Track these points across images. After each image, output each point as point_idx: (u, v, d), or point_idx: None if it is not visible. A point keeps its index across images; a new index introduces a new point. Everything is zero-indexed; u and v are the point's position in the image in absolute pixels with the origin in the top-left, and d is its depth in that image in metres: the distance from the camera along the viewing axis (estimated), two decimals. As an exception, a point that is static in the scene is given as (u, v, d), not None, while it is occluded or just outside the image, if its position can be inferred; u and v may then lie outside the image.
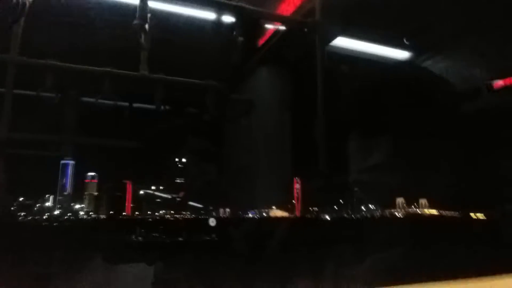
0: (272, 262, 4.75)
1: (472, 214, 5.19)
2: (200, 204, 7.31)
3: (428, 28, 5.45)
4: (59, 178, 6.30)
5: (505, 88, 5.48)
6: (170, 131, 7.61)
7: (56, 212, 5.94)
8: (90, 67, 5.20)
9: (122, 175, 7.07)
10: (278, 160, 7.09)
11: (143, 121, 7.55)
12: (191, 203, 7.37)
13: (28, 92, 5.17)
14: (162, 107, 6.25)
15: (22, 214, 5.34)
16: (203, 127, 7.11)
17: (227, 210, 6.67)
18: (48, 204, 6.00)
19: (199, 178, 7.92)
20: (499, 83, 5.53)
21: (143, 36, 4.22)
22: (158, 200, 7.30)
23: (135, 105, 7.68)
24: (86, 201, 6.52)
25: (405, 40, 6.06)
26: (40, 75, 4.73)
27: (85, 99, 6.87)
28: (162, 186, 7.57)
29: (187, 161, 7.96)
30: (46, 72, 4.64)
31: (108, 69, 5.20)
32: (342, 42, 6.22)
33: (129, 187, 7.03)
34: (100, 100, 5.58)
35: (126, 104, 7.54)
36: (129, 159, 7.16)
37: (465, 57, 5.80)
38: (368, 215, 5.98)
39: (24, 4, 3.17)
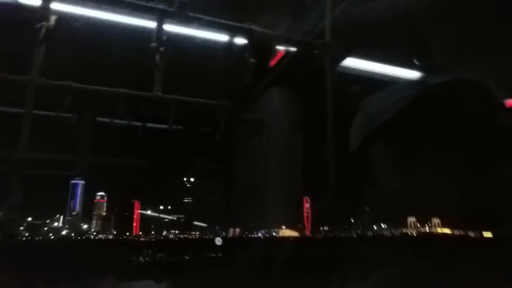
0: (282, 281, 4.72)
1: (483, 233, 5.13)
2: (207, 223, 7.31)
3: (438, 48, 5.52)
4: (69, 198, 6.39)
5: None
6: (181, 150, 7.70)
7: (64, 232, 5.99)
8: (106, 88, 5.33)
9: (131, 195, 7.15)
10: (288, 179, 7.10)
11: (154, 141, 7.66)
12: (196, 223, 7.38)
13: (41, 112, 5.33)
14: (174, 127, 6.36)
15: (28, 234, 5.40)
16: (214, 146, 7.18)
17: (237, 229, 6.67)
18: (56, 224, 6.06)
19: (208, 197, 7.94)
20: (510, 102, 5.53)
21: (158, 57, 4.34)
22: (166, 220, 7.34)
23: (148, 124, 7.83)
24: (95, 221, 6.59)
25: (415, 60, 6.12)
26: (57, 95, 4.89)
27: (99, 119, 7.04)
28: (170, 205, 7.61)
29: (196, 180, 8.00)
30: (64, 93, 4.78)
31: (122, 89, 5.33)
32: (351, 62, 6.31)
33: (137, 206, 7.07)
34: (114, 120, 5.70)
35: (139, 124, 7.69)
36: (138, 179, 7.23)
37: (476, 76, 5.83)
38: (379, 234, 5.94)
39: (48, 28, 3.31)
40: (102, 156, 6.98)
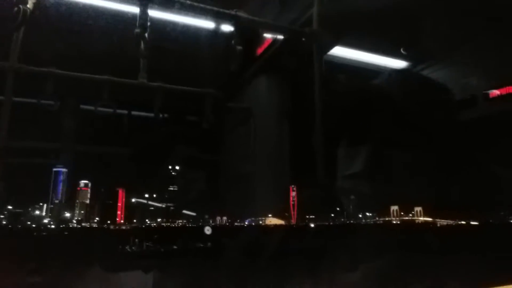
0: (267, 269, 4.73)
1: (465, 222, 5.21)
2: (195, 212, 7.28)
3: (425, 38, 5.51)
4: (51, 186, 6.26)
5: (500, 97, 5.55)
6: (166, 139, 7.62)
7: (45, 220, 5.87)
8: (89, 75, 5.21)
9: (117, 183, 7.05)
10: (275, 168, 7.09)
11: (140, 129, 7.57)
12: (185, 211, 7.35)
13: (23, 99, 5.19)
14: (161, 115, 6.28)
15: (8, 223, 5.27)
16: (200, 135, 7.12)
17: (224, 218, 6.66)
18: (38, 212, 5.93)
19: (195, 186, 7.90)
20: (495, 92, 5.59)
21: (142, 44, 4.24)
22: (151, 208, 7.28)
23: (133, 112, 7.72)
24: (78, 209, 6.45)
25: (402, 50, 6.12)
26: (39, 82, 4.76)
27: (84, 106, 6.92)
28: (156, 194, 7.54)
29: (183, 169, 7.94)
30: (45, 80, 4.66)
31: (107, 77, 5.22)
32: (339, 51, 6.29)
33: (121, 194, 6.96)
34: (98, 108, 5.60)
35: (125, 111, 7.58)
36: (124, 167, 7.14)
37: (462, 67, 5.86)
38: (363, 222, 5.99)
39: (25, 11, 3.19)
40: (87, 145, 6.88)
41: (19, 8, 3.26)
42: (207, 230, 5.77)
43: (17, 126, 4.73)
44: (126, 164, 7.15)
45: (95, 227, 6.14)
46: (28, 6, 3.31)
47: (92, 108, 5.74)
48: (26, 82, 4.83)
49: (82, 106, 6.60)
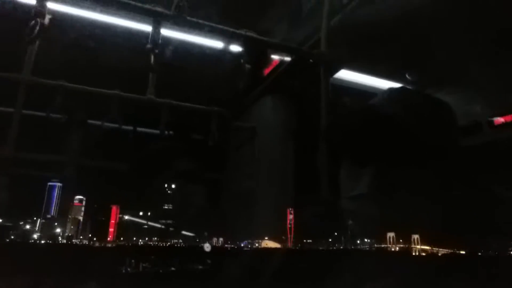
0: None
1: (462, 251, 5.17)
2: (193, 231, 7.20)
3: (430, 64, 5.58)
4: (45, 200, 6.14)
5: (505, 125, 5.58)
6: (170, 156, 7.62)
7: (35, 235, 5.71)
8: (99, 89, 5.27)
9: (113, 199, 6.96)
10: (278, 188, 7.06)
11: (143, 145, 7.57)
12: (184, 232, 7.26)
13: (31, 112, 5.21)
14: (166, 132, 6.30)
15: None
16: (205, 153, 7.12)
17: (220, 239, 6.58)
18: (28, 226, 5.76)
19: (195, 204, 7.85)
20: (499, 120, 5.62)
21: (153, 59, 4.31)
22: (145, 226, 7.15)
23: (138, 128, 7.75)
24: (70, 225, 6.26)
25: (407, 75, 6.18)
26: (49, 95, 4.81)
27: (90, 121, 6.95)
28: (154, 212, 7.44)
29: (183, 186, 7.90)
30: (56, 93, 4.71)
31: (116, 91, 5.28)
32: (345, 74, 6.36)
33: (114, 211, 6.84)
34: (105, 123, 5.63)
35: (130, 127, 7.61)
36: (123, 184, 7.09)
37: (467, 93, 5.91)
38: (359, 248, 5.93)
39: (42, 25, 3.26)
40: (89, 159, 6.87)
41: (36, 21, 3.32)
42: (207, 248, 5.72)
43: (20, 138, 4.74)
44: (125, 180, 7.11)
45: (85, 245, 5.96)
46: (45, 20, 3.38)
47: (98, 122, 5.77)
48: (34, 95, 4.88)
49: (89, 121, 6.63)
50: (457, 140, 5.41)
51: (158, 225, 7.23)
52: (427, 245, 5.39)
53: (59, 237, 5.95)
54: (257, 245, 6.51)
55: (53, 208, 6.15)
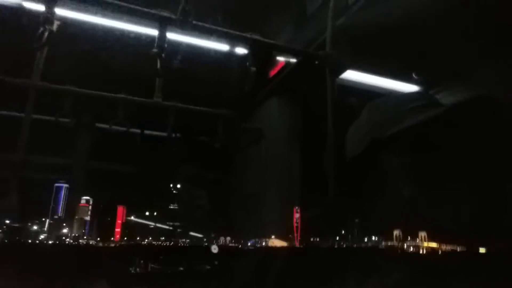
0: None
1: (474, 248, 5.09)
2: (201, 232, 7.24)
3: (437, 62, 5.56)
4: (52, 201, 6.22)
5: None
6: (177, 158, 7.67)
7: (42, 236, 5.79)
8: (106, 93, 5.33)
9: (121, 200, 7.02)
10: (285, 190, 7.08)
11: (151, 148, 7.64)
12: (192, 233, 7.31)
13: (40, 116, 5.29)
14: (174, 134, 6.35)
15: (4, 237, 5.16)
16: (212, 155, 7.16)
17: (227, 238, 6.63)
18: (36, 227, 5.86)
19: (203, 205, 7.90)
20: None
21: (159, 63, 4.35)
22: (151, 226, 7.19)
23: (145, 131, 7.82)
24: (76, 225, 6.34)
25: (414, 75, 6.16)
26: (57, 100, 4.87)
27: (98, 124, 7.02)
28: (161, 213, 7.49)
29: (191, 188, 7.95)
30: (64, 97, 4.77)
31: (123, 95, 5.33)
32: (352, 75, 6.36)
33: (121, 212, 6.90)
34: (113, 126, 5.68)
35: (138, 130, 7.68)
36: (130, 185, 7.15)
37: (474, 93, 5.86)
38: (365, 246, 5.91)
39: (50, 32, 3.31)
40: (96, 161, 6.93)
41: (45, 28, 3.37)
42: (214, 249, 5.74)
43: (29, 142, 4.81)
44: (132, 182, 7.17)
45: (92, 245, 6.02)
46: (53, 27, 3.43)
47: (106, 126, 5.83)
48: (43, 100, 4.96)
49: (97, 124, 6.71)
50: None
51: (166, 226, 7.28)
52: (435, 243, 5.35)
53: (66, 238, 6.02)
54: (264, 244, 6.54)
55: (60, 208, 6.23)
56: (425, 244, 5.37)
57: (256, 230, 6.83)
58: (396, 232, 5.57)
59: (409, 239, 5.55)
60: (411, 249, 5.44)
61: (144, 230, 7.09)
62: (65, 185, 6.36)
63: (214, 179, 8.12)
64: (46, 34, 3.45)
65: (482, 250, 5.01)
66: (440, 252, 5.27)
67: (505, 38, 4.89)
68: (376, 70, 6.49)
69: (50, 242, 5.61)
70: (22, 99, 4.43)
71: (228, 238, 6.68)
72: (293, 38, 6.19)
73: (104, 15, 5.22)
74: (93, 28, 5.18)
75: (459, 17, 4.73)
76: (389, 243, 5.66)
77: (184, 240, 6.96)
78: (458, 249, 5.15)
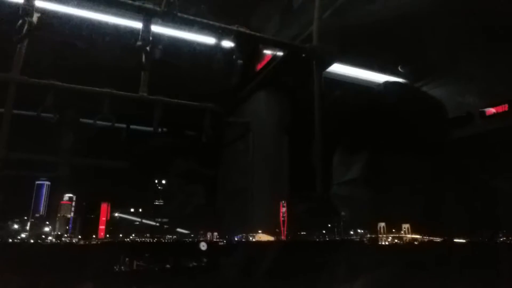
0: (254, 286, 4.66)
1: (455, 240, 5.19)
2: (188, 228, 7.20)
3: (422, 55, 5.61)
4: (33, 199, 6.09)
5: (496, 115, 5.63)
6: (163, 153, 7.59)
7: (23, 235, 5.67)
8: (90, 88, 5.21)
9: (104, 197, 6.91)
10: (272, 183, 7.09)
11: (136, 143, 7.53)
12: (178, 229, 7.26)
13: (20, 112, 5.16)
14: (160, 129, 6.27)
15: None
16: (199, 149, 7.10)
17: (215, 234, 6.61)
18: (17, 226, 5.72)
19: (191, 200, 7.85)
20: (491, 110, 5.67)
21: (144, 57, 4.27)
22: (136, 223, 7.11)
23: (131, 126, 7.71)
24: (58, 223, 6.21)
25: (399, 68, 6.20)
26: (39, 95, 4.75)
27: (82, 120, 6.89)
28: (147, 209, 7.42)
29: (178, 183, 7.90)
30: (45, 92, 4.65)
31: (108, 89, 5.22)
32: (338, 68, 6.37)
33: (105, 208, 6.80)
34: (98, 121, 5.58)
35: (123, 125, 7.57)
36: (115, 181, 7.04)
37: (458, 84, 5.94)
38: (351, 239, 5.96)
39: (30, 24, 3.21)
40: (80, 158, 6.80)
41: (24, 20, 3.27)
42: (203, 246, 5.72)
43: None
44: (116, 178, 7.07)
45: (74, 243, 5.92)
46: (33, 19, 3.32)
47: (90, 121, 5.72)
48: (25, 94, 4.83)
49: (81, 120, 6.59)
50: (447, 134, 5.46)
51: (152, 222, 7.22)
52: (418, 234, 5.43)
53: (48, 236, 5.89)
54: (250, 238, 6.55)
55: (41, 207, 6.08)
56: (409, 235, 5.45)
57: (242, 225, 6.82)
58: (380, 225, 5.64)
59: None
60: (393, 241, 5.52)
61: (130, 227, 7.01)
62: (47, 183, 6.21)
63: (200, 173, 8.07)
64: (26, 26, 3.34)
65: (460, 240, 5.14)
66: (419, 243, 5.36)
67: (493, 33, 4.96)
68: (363, 63, 6.52)
69: (31, 241, 5.48)
70: (1, 94, 4.30)
71: (216, 234, 6.66)
72: (280, 31, 6.16)
73: (87, 7, 5.10)
74: (76, 20, 5.06)
75: (447, 10, 4.77)
76: (374, 236, 5.73)
77: (171, 237, 6.91)
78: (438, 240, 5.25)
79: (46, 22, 4.28)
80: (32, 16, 3.38)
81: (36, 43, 4.16)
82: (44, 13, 3.97)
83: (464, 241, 5.14)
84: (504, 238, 4.96)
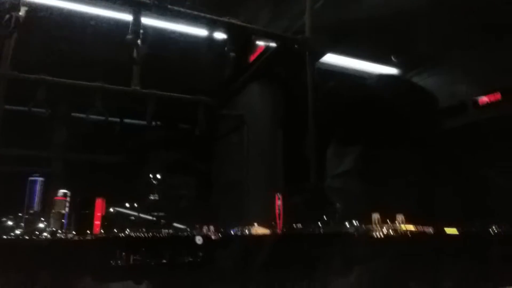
0: (252, 279, 4.68)
1: (448, 229, 5.23)
2: (184, 221, 7.19)
3: (415, 45, 5.60)
4: (26, 195, 6.04)
5: (489, 104, 5.64)
6: (157, 146, 7.57)
7: (17, 231, 5.65)
8: (81, 82, 5.17)
9: (98, 192, 6.86)
10: (268, 176, 7.08)
11: (130, 136, 7.50)
12: (175, 224, 7.26)
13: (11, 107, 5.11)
14: (153, 122, 6.25)
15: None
16: (193, 142, 7.09)
17: (211, 227, 6.60)
18: (10, 222, 5.72)
19: (185, 194, 7.84)
20: (484, 99, 5.68)
21: (135, 51, 4.23)
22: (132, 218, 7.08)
23: (125, 120, 7.66)
24: (52, 219, 6.17)
25: (392, 58, 6.19)
26: (30, 89, 4.70)
27: (75, 114, 6.85)
28: (142, 203, 7.39)
29: (171, 177, 7.87)
30: (36, 87, 4.60)
31: (100, 84, 5.18)
32: (331, 58, 6.35)
33: (99, 204, 6.75)
34: (90, 116, 5.54)
35: (116, 119, 7.52)
36: (110, 176, 7.01)
37: (451, 74, 5.95)
38: (345, 231, 5.99)
39: (17, 18, 3.16)
40: (73, 153, 6.78)
41: (11, 15, 3.22)
42: (198, 240, 5.71)
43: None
44: (111, 172, 7.05)
45: (69, 239, 5.87)
46: (20, 13, 3.28)
47: (83, 115, 5.69)
48: (15, 89, 4.78)
49: (74, 114, 6.54)
50: (440, 125, 5.50)
51: (148, 217, 7.21)
52: (412, 225, 5.46)
53: (43, 232, 5.87)
54: (246, 231, 6.56)
55: (35, 203, 6.02)
56: (403, 226, 5.48)
57: (238, 218, 6.83)
58: (375, 216, 5.66)
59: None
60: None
61: (126, 222, 6.99)
62: (40, 179, 6.16)
63: (195, 167, 8.06)
64: (13, 21, 3.30)
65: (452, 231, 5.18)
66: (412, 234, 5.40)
67: (485, 25, 4.96)
68: (356, 53, 6.49)
69: (26, 237, 5.45)
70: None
71: (212, 227, 6.66)
72: (272, 22, 6.11)
73: (76, 0, 5.03)
74: (65, 13, 4.99)
75: (440, 2, 4.76)
76: (369, 226, 5.75)
77: (167, 231, 6.91)
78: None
79: (34, 16, 4.23)
80: (19, 11, 3.33)
81: (25, 38, 4.11)
82: (31, 7, 3.92)
83: (456, 231, 5.17)
84: (497, 227, 5.00)
